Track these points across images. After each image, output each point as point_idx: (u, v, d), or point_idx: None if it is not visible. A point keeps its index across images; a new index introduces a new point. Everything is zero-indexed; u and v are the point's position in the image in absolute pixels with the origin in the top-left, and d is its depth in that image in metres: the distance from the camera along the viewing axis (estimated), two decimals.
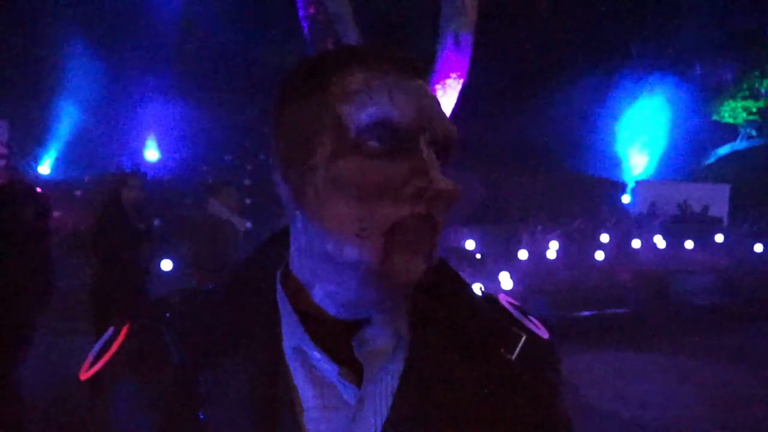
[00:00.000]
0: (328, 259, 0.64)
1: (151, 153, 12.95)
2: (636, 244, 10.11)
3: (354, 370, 0.65)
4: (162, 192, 10.14)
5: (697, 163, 15.07)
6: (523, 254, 8.73)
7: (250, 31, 11.43)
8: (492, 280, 7.20)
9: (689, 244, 10.55)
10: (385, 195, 0.61)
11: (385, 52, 0.67)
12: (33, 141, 12.26)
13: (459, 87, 6.22)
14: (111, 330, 0.71)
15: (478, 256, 7.64)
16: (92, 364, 0.68)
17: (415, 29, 8.65)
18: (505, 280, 7.21)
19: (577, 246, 9.57)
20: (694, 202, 12.55)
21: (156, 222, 9.02)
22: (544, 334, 0.77)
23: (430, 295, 0.71)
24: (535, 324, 0.77)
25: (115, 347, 0.68)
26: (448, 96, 6.19)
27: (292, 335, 0.66)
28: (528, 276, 8.25)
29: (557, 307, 7.79)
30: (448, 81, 6.15)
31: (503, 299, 0.79)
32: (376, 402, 0.65)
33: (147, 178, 5.52)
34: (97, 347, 0.70)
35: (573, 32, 11.93)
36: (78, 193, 10.78)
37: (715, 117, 14.85)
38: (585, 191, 10.57)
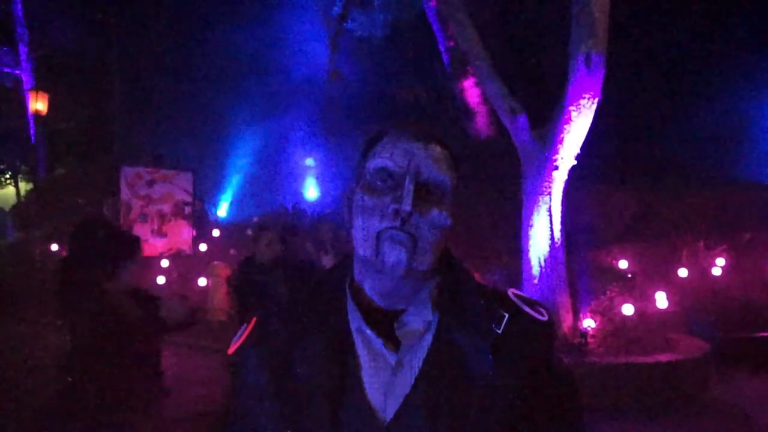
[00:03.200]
0: (362, 261, 1.01)
1: (311, 191, 14.01)
2: None
3: (395, 344, 0.98)
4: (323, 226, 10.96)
5: None
6: (682, 272, 8.20)
7: (393, 71, 12.09)
8: (646, 299, 6.89)
9: None
10: (375, 214, 0.96)
11: (408, 127, 1.04)
12: (212, 189, 13.87)
13: (593, 107, 6.14)
14: (246, 322, 1.11)
15: (630, 275, 7.35)
16: (234, 343, 1.09)
17: (546, 52, 8.63)
18: (661, 300, 6.87)
19: (749, 262, 8.77)
20: None
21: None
22: (543, 317, 1.04)
23: (448, 291, 1.03)
24: (537, 311, 1.04)
25: (247, 331, 1.08)
26: (583, 117, 6.13)
27: (354, 320, 1.01)
28: (689, 295, 7.76)
29: (724, 328, 7.23)
30: (581, 102, 6.10)
31: (510, 292, 1.07)
32: (412, 364, 0.97)
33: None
34: (238, 333, 1.10)
35: (727, 19, 11.04)
36: (249, 231, 11.98)
37: None
38: (755, 200, 9.65)
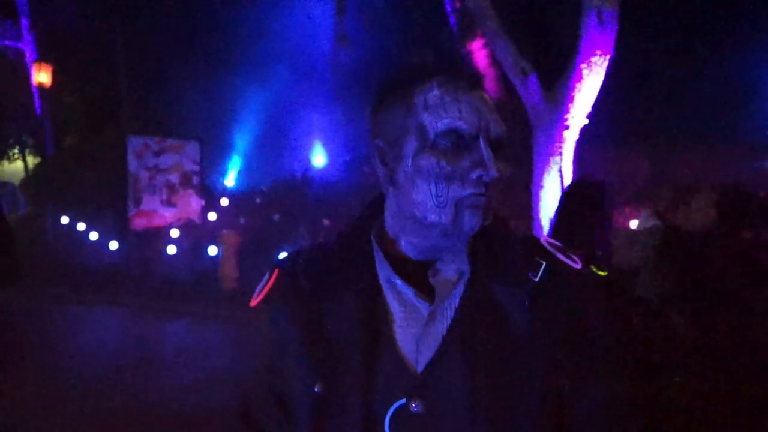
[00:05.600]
0: (414, 220, 0.95)
1: (319, 158, 13.93)
2: None
3: (427, 294, 0.94)
4: (329, 193, 10.95)
5: None
6: None
7: (400, 34, 11.88)
8: None
9: None
10: (454, 179, 0.91)
11: (453, 69, 0.96)
12: (220, 158, 13.83)
13: (605, 64, 6.00)
14: (267, 274, 1.07)
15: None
16: (257, 296, 1.05)
17: (556, 10, 8.42)
18: None
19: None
20: None
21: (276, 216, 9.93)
22: (577, 265, 1.00)
23: (483, 240, 0.98)
24: (571, 258, 1.00)
25: (270, 284, 1.04)
26: (594, 74, 6.00)
27: (383, 271, 0.97)
28: None
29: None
30: (593, 59, 5.96)
31: (543, 239, 1.03)
32: (444, 315, 0.94)
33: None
34: (260, 286, 1.06)
35: None
36: (258, 200, 11.98)
37: None
38: None
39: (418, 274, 0.95)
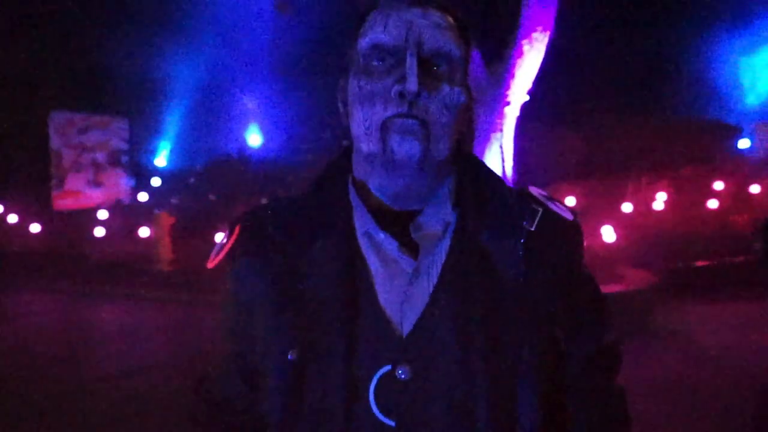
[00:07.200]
0: (363, 157, 0.85)
1: (254, 138, 13.58)
2: (755, 189, 9.44)
3: (410, 248, 0.84)
4: (265, 173, 10.71)
5: None
6: (627, 207, 8.43)
7: (340, 12, 11.66)
8: (593, 235, 7.04)
9: None
10: (376, 100, 0.80)
11: None
12: (149, 136, 13.25)
13: (546, 40, 6.08)
14: (227, 231, 0.93)
15: (578, 211, 7.49)
16: (215, 256, 0.92)
17: None
18: (608, 234, 7.03)
19: (688, 195, 9.09)
20: None
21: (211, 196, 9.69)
22: (568, 216, 0.93)
23: (469, 188, 0.89)
24: (560, 208, 0.93)
25: (231, 242, 0.92)
26: (535, 50, 6.07)
27: (362, 223, 0.86)
28: (634, 229, 7.99)
29: (668, 258, 7.50)
30: (534, 35, 6.04)
31: (533, 189, 0.95)
32: (430, 271, 0.84)
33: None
34: (218, 244, 0.93)
35: None
36: (191, 180, 11.59)
37: None
38: (694, 137, 9.95)
39: (399, 227, 0.85)
